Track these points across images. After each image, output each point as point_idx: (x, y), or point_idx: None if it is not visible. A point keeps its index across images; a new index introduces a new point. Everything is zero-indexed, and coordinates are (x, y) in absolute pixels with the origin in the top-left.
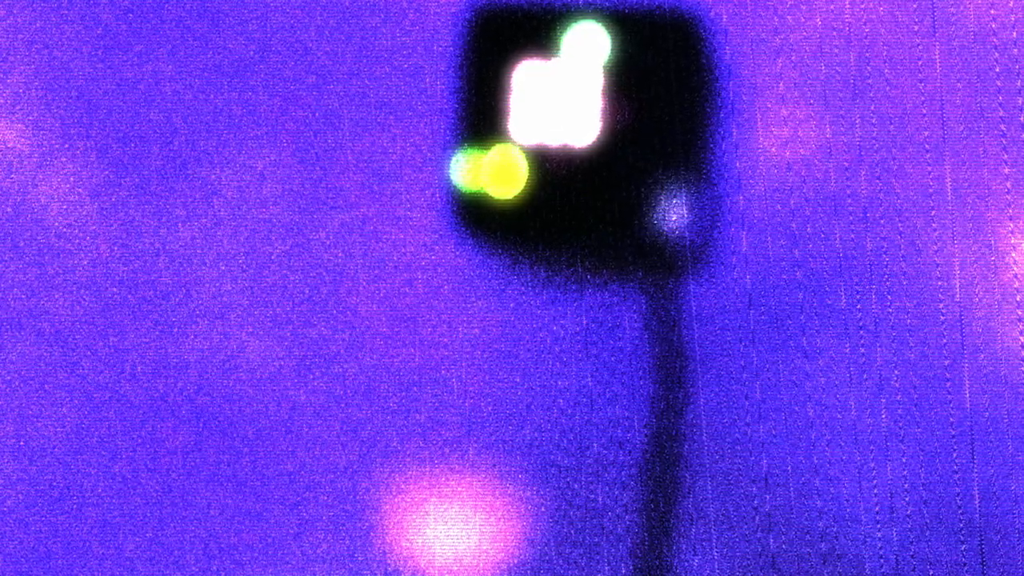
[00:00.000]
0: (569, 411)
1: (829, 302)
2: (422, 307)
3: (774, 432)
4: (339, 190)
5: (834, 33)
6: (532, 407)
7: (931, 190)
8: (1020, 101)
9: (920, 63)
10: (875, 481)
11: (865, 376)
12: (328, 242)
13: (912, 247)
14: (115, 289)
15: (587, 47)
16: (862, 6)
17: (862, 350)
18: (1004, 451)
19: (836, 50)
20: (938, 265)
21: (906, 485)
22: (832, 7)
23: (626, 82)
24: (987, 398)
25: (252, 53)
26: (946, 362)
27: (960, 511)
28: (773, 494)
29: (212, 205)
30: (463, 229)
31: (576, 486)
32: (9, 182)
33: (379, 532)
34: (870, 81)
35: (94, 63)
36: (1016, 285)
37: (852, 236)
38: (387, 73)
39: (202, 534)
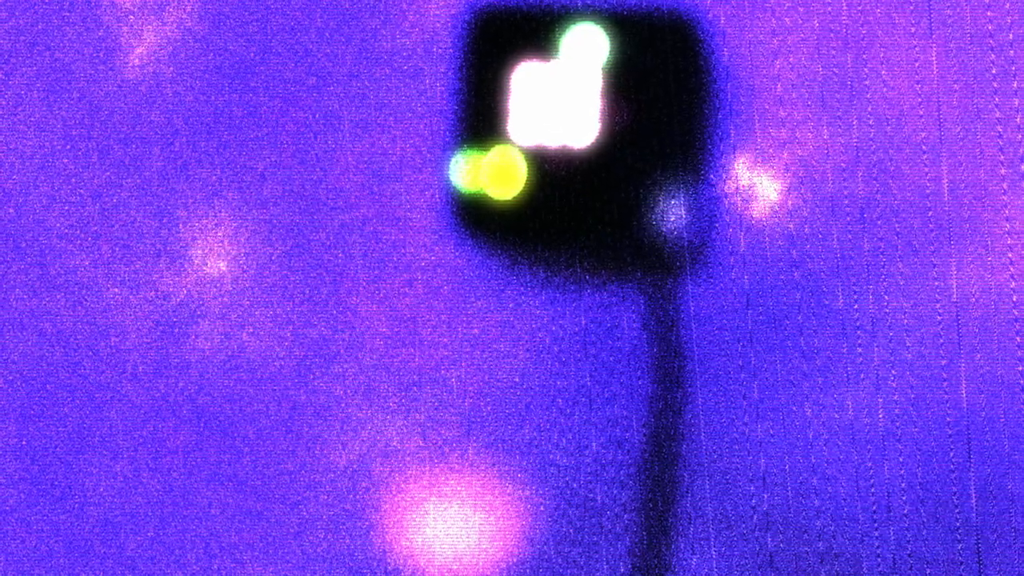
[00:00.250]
0: (568, 410)
1: (827, 302)
2: (422, 307)
3: (772, 432)
4: (339, 191)
5: (831, 35)
6: (531, 407)
7: (928, 191)
8: (1016, 102)
9: (917, 65)
10: (872, 480)
11: (862, 376)
12: (328, 242)
13: (909, 248)
14: (116, 290)
15: (586, 49)
16: (859, 8)
17: (859, 350)
18: (1001, 451)
19: (833, 52)
20: (935, 266)
21: (903, 484)
22: (829, 9)
23: (625, 83)
24: (984, 398)
25: (253, 55)
26: (943, 362)
27: (957, 510)
28: (771, 493)
29: (213, 206)
30: (463, 229)
31: (575, 485)
32: (11, 183)
33: (379, 531)
34: (867, 83)
35: (96, 64)
36: (1012, 285)
37: (849, 237)
38: (387, 74)
39: (203, 533)
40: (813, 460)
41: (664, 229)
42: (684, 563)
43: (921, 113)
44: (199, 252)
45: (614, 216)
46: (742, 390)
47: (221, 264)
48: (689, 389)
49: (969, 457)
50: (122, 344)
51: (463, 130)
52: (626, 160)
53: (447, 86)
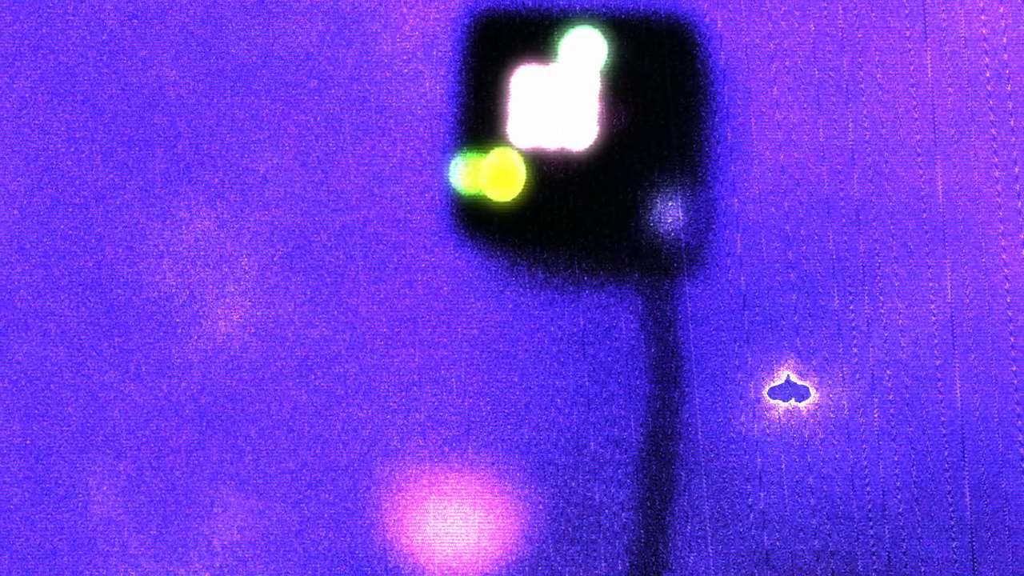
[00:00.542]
0: (566, 410)
1: (822, 303)
2: (422, 308)
3: (768, 431)
4: (340, 193)
5: (827, 39)
6: (530, 406)
7: (922, 193)
8: (1009, 105)
9: (911, 68)
10: (867, 479)
11: (857, 376)
12: (329, 244)
13: (904, 249)
14: (120, 290)
15: (584, 52)
16: (854, 12)
17: (855, 350)
18: (994, 450)
19: (829, 55)
20: (929, 267)
21: (898, 483)
22: (825, 13)
23: (622, 87)
24: (977, 398)
25: (255, 58)
26: (937, 362)
27: (951, 509)
28: (767, 492)
29: (215, 207)
30: (462, 231)
31: (573, 484)
32: (16, 184)
33: (380, 529)
34: (862, 86)
35: (100, 68)
36: (1006, 286)
37: (845, 238)
38: (387, 78)
39: (205, 531)
40: (809, 459)
41: (661, 231)
42: (681, 561)
43: (915, 116)
44: (201, 253)
45: (612, 218)
46: (738, 390)
47: (224, 265)
48: (686, 389)
49: (963, 456)
50: (126, 344)
51: (463, 133)
52: (624, 162)
53: (447, 89)
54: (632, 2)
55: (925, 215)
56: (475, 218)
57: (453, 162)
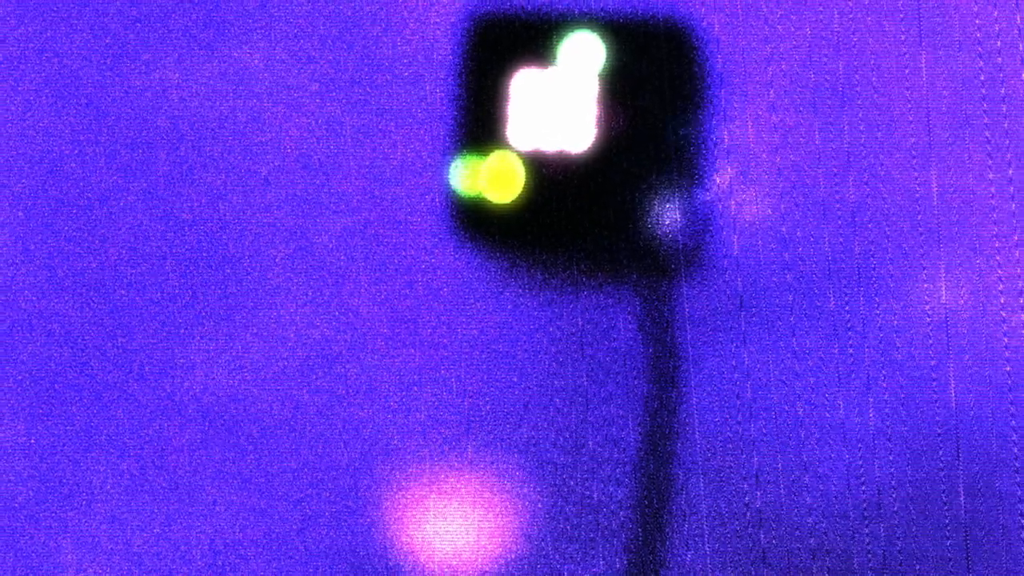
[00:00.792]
0: (565, 410)
1: (818, 304)
2: (422, 309)
3: (765, 430)
4: (340, 195)
5: (823, 42)
6: (529, 406)
7: (918, 195)
8: (1005, 108)
9: (907, 71)
10: (863, 478)
11: (853, 376)
12: (330, 245)
13: (899, 250)
14: (122, 292)
15: (583, 56)
16: (851, 15)
17: (850, 351)
18: (989, 449)
19: (825, 58)
20: (924, 268)
21: (893, 482)
22: (821, 16)
23: (620, 89)
24: (972, 397)
25: (256, 61)
26: (932, 362)
27: (946, 508)
28: (764, 491)
29: (217, 209)
30: (462, 233)
31: (572, 483)
32: (19, 186)
33: (380, 528)
34: (858, 88)
35: (102, 70)
36: (1000, 287)
37: (841, 240)
38: (388, 80)
39: (206, 530)
40: (805, 458)
41: (659, 232)
42: (679, 559)
43: (911, 118)
44: (203, 255)
45: (610, 219)
46: (735, 390)
47: (225, 267)
48: (683, 389)
49: (958, 456)
50: (128, 345)
51: (462, 135)
52: (622, 164)
53: (447, 92)
54: (630, 6)
55: (920, 217)
56: (475, 220)
57: (453, 164)
